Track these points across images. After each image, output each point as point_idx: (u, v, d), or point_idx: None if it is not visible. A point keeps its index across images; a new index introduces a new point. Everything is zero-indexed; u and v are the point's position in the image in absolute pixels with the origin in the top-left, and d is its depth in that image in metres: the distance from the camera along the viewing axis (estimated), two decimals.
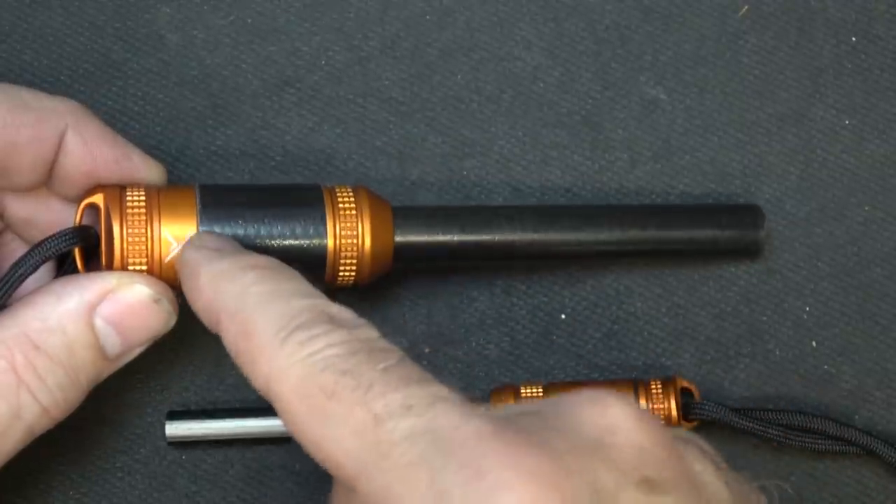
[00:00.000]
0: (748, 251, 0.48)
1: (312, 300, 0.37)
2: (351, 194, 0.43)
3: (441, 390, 0.33)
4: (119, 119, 0.48)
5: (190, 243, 0.41)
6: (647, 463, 0.33)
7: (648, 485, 0.32)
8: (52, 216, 0.43)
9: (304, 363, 0.34)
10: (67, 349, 0.40)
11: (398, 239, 0.44)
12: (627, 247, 0.47)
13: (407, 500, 0.31)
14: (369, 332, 0.36)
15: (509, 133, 0.49)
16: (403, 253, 0.44)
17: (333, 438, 0.33)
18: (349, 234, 0.42)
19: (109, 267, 0.41)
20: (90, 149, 0.42)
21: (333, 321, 0.36)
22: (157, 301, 0.41)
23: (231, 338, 0.37)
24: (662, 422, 0.34)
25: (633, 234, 0.47)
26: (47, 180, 0.43)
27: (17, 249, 0.44)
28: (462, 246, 0.45)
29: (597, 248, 0.46)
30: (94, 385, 0.41)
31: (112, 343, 0.41)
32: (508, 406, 0.36)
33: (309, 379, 0.34)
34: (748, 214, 0.48)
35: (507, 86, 0.49)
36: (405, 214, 0.44)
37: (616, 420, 0.34)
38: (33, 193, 0.43)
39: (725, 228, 0.48)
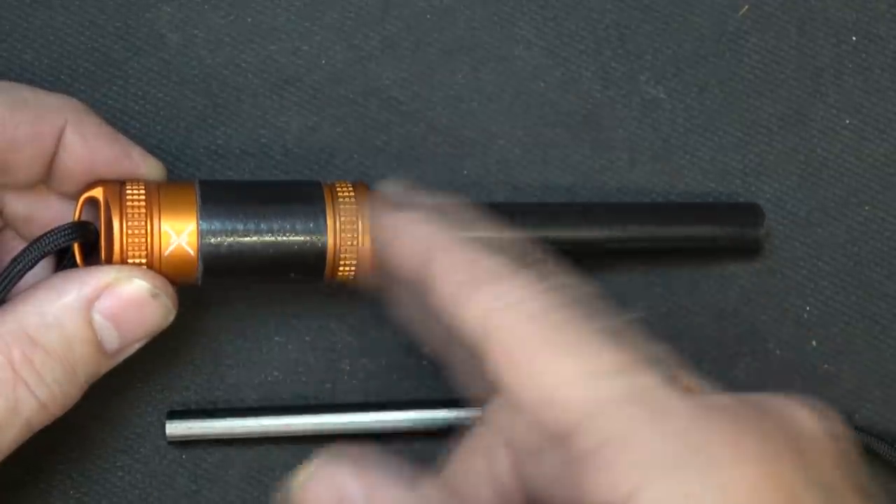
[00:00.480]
0: (748, 249, 0.48)
1: (530, 246, 0.37)
2: (351, 190, 0.43)
3: (661, 360, 0.34)
4: (120, 118, 0.48)
5: (387, 184, 0.41)
6: (859, 473, 0.34)
7: (864, 493, 0.34)
8: (52, 213, 0.43)
9: (531, 302, 0.34)
10: (65, 344, 0.40)
11: None
12: (627, 244, 0.47)
13: (650, 450, 0.32)
14: (590, 288, 0.36)
15: (509, 132, 0.49)
16: None
17: (557, 381, 0.33)
18: (349, 229, 0.42)
19: (109, 261, 0.41)
20: (89, 146, 0.42)
21: (554, 270, 0.36)
22: (155, 296, 0.41)
23: (442, 273, 0.36)
24: None
25: (633, 231, 0.47)
26: (47, 177, 0.42)
27: (17, 247, 0.44)
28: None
29: (597, 245, 0.46)
30: (93, 380, 0.41)
31: (110, 338, 0.41)
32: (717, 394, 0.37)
33: (534, 319, 0.34)
34: (748, 212, 0.48)
35: (508, 85, 0.49)
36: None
37: (835, 429, 0.35)
38: (33, 191, 0.43)
39: (725, 226, 0.48)
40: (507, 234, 0.38)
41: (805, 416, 0.35)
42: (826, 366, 0.49)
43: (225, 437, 0.47)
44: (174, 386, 0.47)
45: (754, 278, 0.49)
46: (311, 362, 0.48)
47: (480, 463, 0.38)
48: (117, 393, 0.47)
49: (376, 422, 0.47)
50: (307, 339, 0.48)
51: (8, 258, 0.44)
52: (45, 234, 0.41)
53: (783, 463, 0.32)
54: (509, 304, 0.35)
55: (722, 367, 0.49)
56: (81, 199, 0.42)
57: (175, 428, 0.46)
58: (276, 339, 0.48)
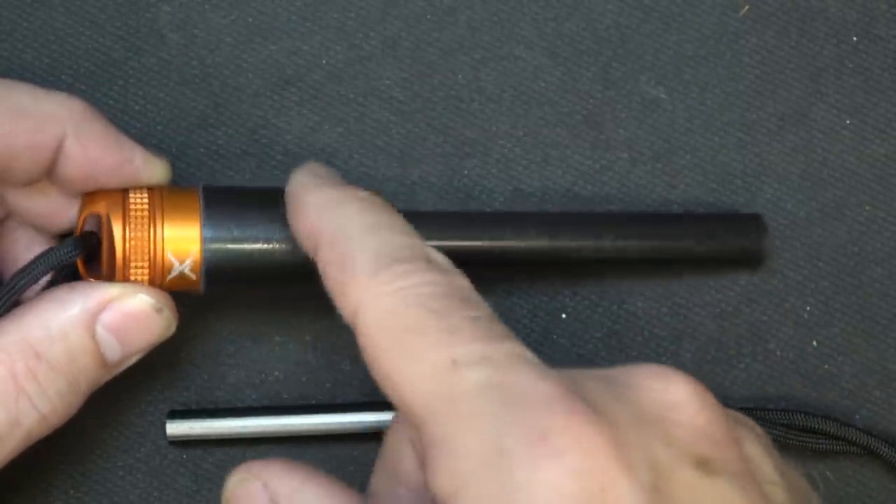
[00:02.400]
0: (751, 262, 0.48)
1: (412, 239, 0.37)
2: None
3: (523, 350, 0.33)
4: (120, 118, 0.48)
5: (301, 169, 0.40)
6: (705, 443, 0.33)
7: (704, 465, 0.33)
8: (54, 204, 0.43)
9: (395, 295, 0.34)
10: (69, 357, 0.40)
11: None
12: (627, 255, 0.47)
13: (467, 452, 0.32)
14: (463, 282, 0.36)
15: (510, 132, 0.49)
16: None
17: (409, 376, 0.33)
18: None
19: (111, 270, 0.41)
20: (89, 155, 0.41)
21: (431, 262, 0.35)
22: (158, 310, 0.41)
23: (326, 264, 0.36)
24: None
25: (632, 243, 0.47)
26: (48, 177, 0.42)
27: (20, 236, 0.44)
28: (461, 251, 0.45)
29: (597, 255, 0.46)
30: (93, 390, 0.41)
31: (112, 350, 0.41)
32: (576, 370, 0.36)
33: (397, 312, 0.34)
34: (751, 225, 0.48)
35: (508, 85, 0.49)
36: (407, 218, 0.44)
37: (679, 397, 0.34)
38: (34, 185, 0.43)
39: (727, 239, 0.48)
40: (409, 229, 0.37)
41: (660, 389, 0.34)
42: (826, 366, 0.49)
43: (226, 436, 0.47)
44: (175, 386, 0.47)
45: (754, 278, 0.49)
46: (312, 362, 0.48)
47: (393, 462, 0.38)
48: (118, 393, 0.47)
49: (376, 422, 0.47)
50: (308, 338, 0.48)
51: (11, 246, 0.44)
52: (49, 251, 0.41)
53: (618, 447, 0.31)
54: (375, 298, 0.34)
55: (722, 367, 0.49)
56: (83, 215, 0.42)
57: (176, 428, 0.46)
58: (277, 338, 0.48)
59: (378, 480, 0.38)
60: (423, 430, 0.33)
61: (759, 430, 0.37)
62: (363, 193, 0.39)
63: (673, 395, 0.34)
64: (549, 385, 0.32)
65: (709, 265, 0.49)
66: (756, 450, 0.35)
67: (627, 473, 0.31)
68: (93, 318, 0.40)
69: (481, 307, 0.35)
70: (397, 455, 0.38)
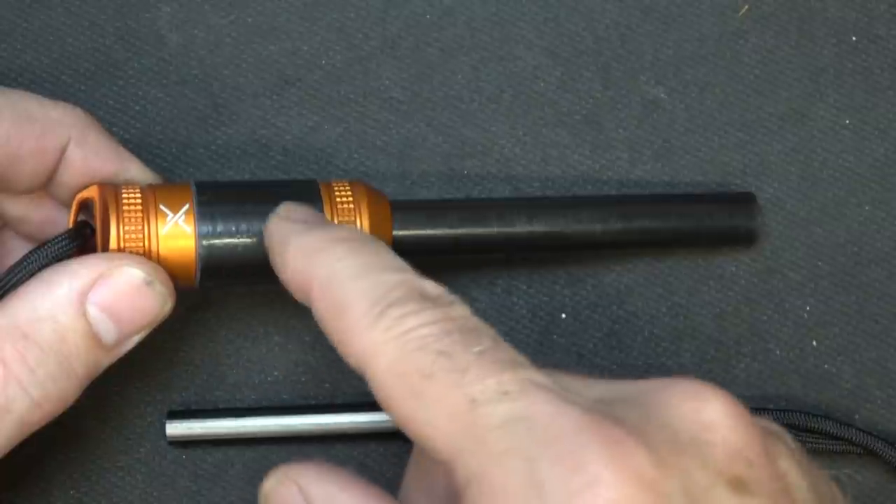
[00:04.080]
0: (744, 240, 0.48)
1: (404, 275, 0.36)
2: (348, 189, 0.43)
3: (536, 375, 0.33)
4: (120, 119, 0.48)
5: (276, 214, 0.40)
6: (740, 463, 0.33)
7: (739, 485, 0.32)
8: (47, 214, 0.43)
9: (399, 342, 0.34)
10: (59, 338, 0.39)
11: (397, 232, 0.44)
12: (623, 237, 0.47)
13: (503, 489, 0.31)
14: (461, 310, 0.35)
15: (510, 132, 0.49)
16: (402, 246, 0.43)
17: (429, 419, 0.33)
18: None
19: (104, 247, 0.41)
20: (89, 163, 0.42)
21: (426, 298, 0.35)
22: (149, 283, 0.40)
23: (322, 313, 0.36)
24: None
25: (623, 224, 0.46)
26: (46, 186, 0.43)
27: (15, 246, 0.44)
28: (461, 238, 0.45)
29: (592, 238, 0.46)
30: (94, 375, 0.40)
31: (107, 330, 0.40)
32: (601, 384, 0.36)
33: (403, 358, 0.34)
34: (742, 202, 0.48)
35: (508, 85, 0.49)
36: (403, 208, 0.44)
37: (714, 416, 0.33)
38: (30, 195, 0.43)
39: (718, 216, 0.47)
40: (399, 263, 0.37)
41: (693, 409, 0.34)
42: (826, 366, 0.49)
43: (225, 436, 0.47)
44: (174, 386, 0.47)
45: (754, 278, 0.49)
46: (312, 362, 0.48)
47: (422, 478, 0.38)
48: (117, 393, 0.47)
49: (376, 422, 0.47)
50: (307, 339, 0.48)
51: (5, 255, 0.44)
52: (43, 245, 0.40)
53: (656, 472, 0.31)
54: (379, 347, 0.34)
55: (722, 366, 0.49)
56: (76, 199, 0.42)
57: (175, 428, 0.46)
58: (277, 339, 0.48)
59: (410, 487, 0.38)
60: (453, 468, 0.33)
61: (790, 440, 0.36)
62: (344, 232, 0.38)
63: (706, 415, 0.34)
64: (576, 413, 0.32)
65: (701, 245, 0.49)
66: (789, 463, 0.35)
67: (665, 501, 0.31)
68: (81, 296, 0.39)
69: (484, 334, 0.34)
70: (428, 471, 0.38)
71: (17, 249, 0.44)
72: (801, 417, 0.47)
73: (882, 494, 0.49)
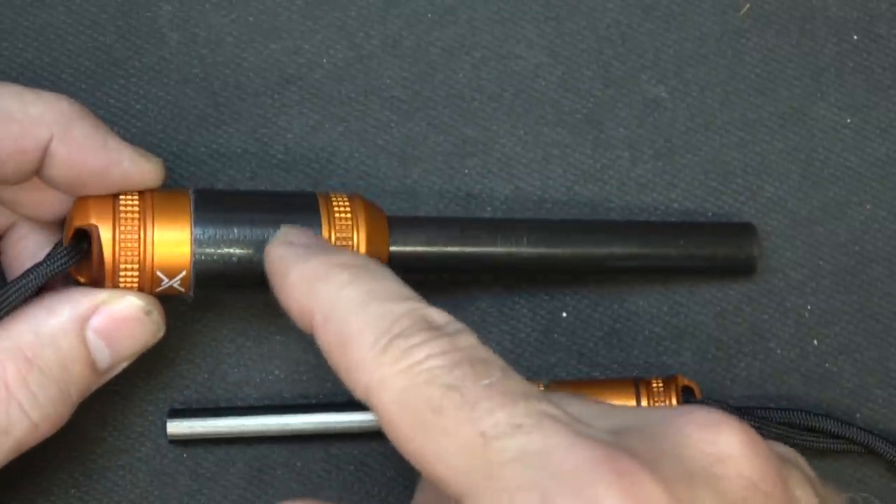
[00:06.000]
0: (742, 270, 0.48)
1: (410, 304, 0.35)
2: (347, 202, 0.42)
3: (548, 407, 0.33)
4: (120, 117, 0.48)
5: (276, 239, 0.39)
6: (756, 496, 0.33)
7: None
8: (49, 196, 0.42)
9: (406, 375, 0.33)
10: (60, 363, 0.40)
11: (394, 248, 0.44)
12: (617, 266, 0.47)
13: None
14: (469, 339, 0.34)
15: (511, 132, 0.49)
16: (399, 262, 0.43)
17: (439, 453, 0.33)
18: (345, 242, 0.42)
19: (101, 274, 0.40)
20: (74, 158, 0.40)
21: (432, 328, 0.34)
22: (148, 313, 0.41)
23: (326, 344, 0.35)
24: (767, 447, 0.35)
25: (623, 252, 0.46)
26: (34, 177, 0.42)
27: (31, 241, 0.44)
28: (458, 257, 0.45)
29: (592, 262, 0.46)
30: (83, 398, 0.41)
31: (102, 355, 0.41)
32: (613, 412, 0.35)
33: (412, 392, 0.33)
34: (742, 234, 0.48)
35: (509, 84, 0.49)
36: (401, 223, 0.44)
37: (728, 448, 0.33)
38: (26, 182, 0.42)
39: (718, 250, 0.47)
40: (403, 290, 0.36)
41: (706, 441, 0.33)
42: (827, 365, 0.49)
43: (226, 435, 0.47)
44: (175, 385, 0.47)
45: (755, 278, 0.49)
46: (312, 361, 0.48)
47: (435, 499, 0.38)
48: (118, 392, 0.47)
49: (376, 421, 0.47)
50: (308, 337, 0.48)
51: (21, 251, 0.43)
52: (40, 264, 0.40)
53: None
54: (387, 380, 0.33)
55: (722, 366, 0.49)
56: (72, 228, 0.41)
57: (176, 427, 0.46)
58: (277, 338, 0.48)
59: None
60: (464, 503, 0.32)
61: (803, 464, 0.36)
62: (345, 257, 0.37)
63: (721, 448, 0.33)
64: (590, 446, 0.32)
65: (701, 274, 0.49)
66: (804, 491, 0.35)
67: None
68: (82, 322, 0.40)
69: (493, 365, 0.34)
70: (438, 496, 0.37)
71: (32, 245, 0.43)
72: (802, 416, 0.47)
73: (882, 494, 0.49)
